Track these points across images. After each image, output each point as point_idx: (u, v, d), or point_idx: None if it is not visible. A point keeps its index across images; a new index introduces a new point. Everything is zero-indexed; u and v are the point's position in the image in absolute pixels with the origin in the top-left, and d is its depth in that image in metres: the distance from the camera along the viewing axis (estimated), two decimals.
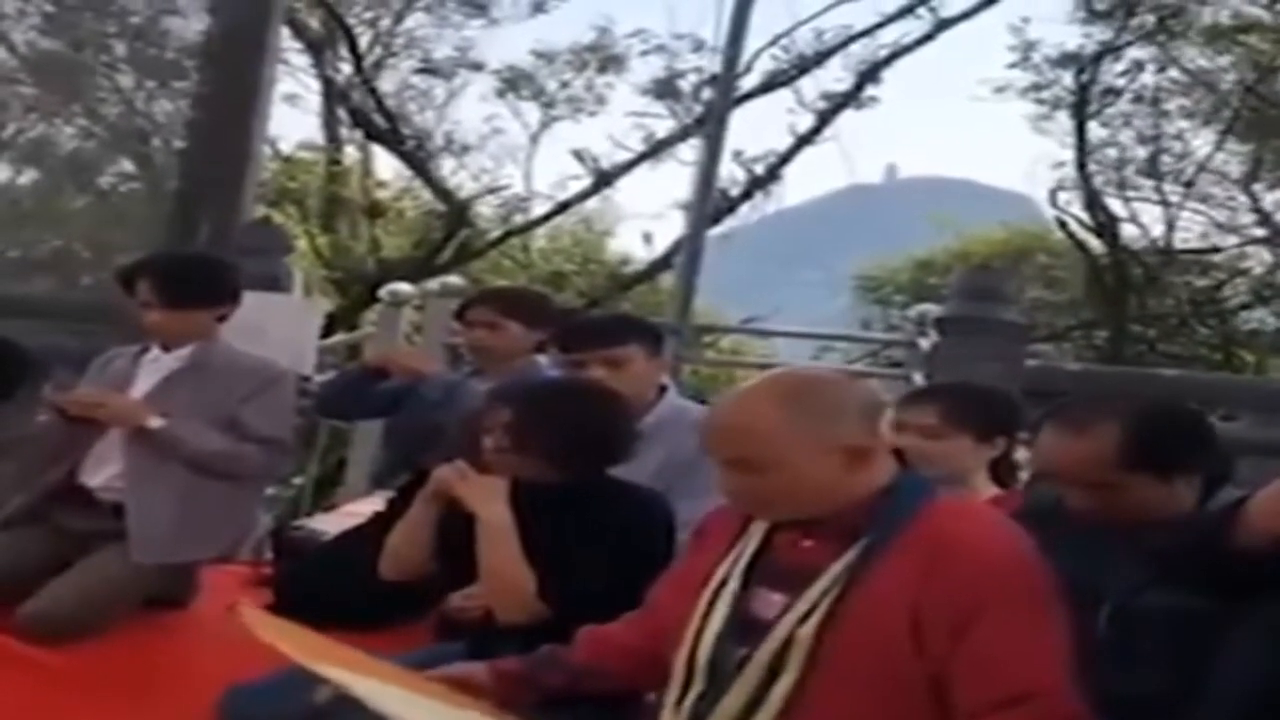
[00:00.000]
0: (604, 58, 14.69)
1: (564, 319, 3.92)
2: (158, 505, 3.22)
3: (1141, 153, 14.09)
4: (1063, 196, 14.18)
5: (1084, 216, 13.90)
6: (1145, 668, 2.02)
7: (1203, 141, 13.89)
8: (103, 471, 3.31)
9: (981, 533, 1.90)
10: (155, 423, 3.21)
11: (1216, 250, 14.45)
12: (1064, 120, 14.01)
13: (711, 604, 1.98)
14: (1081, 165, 13.71)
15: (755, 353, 13.74)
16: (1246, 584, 1.83)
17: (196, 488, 3.25)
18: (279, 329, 4.40)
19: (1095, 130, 14.06)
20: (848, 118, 14.22)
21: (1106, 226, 13.76)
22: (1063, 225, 14.19)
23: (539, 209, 14.89)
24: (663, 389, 3.30)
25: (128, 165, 12.37)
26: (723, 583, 1.99)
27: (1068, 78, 13.88)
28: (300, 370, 4.47)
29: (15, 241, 13.05)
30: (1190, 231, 14.51)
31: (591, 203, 15.29)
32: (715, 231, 13.37)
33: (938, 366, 5.24)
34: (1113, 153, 14.18)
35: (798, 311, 19.45)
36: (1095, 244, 13.92)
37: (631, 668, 2.14)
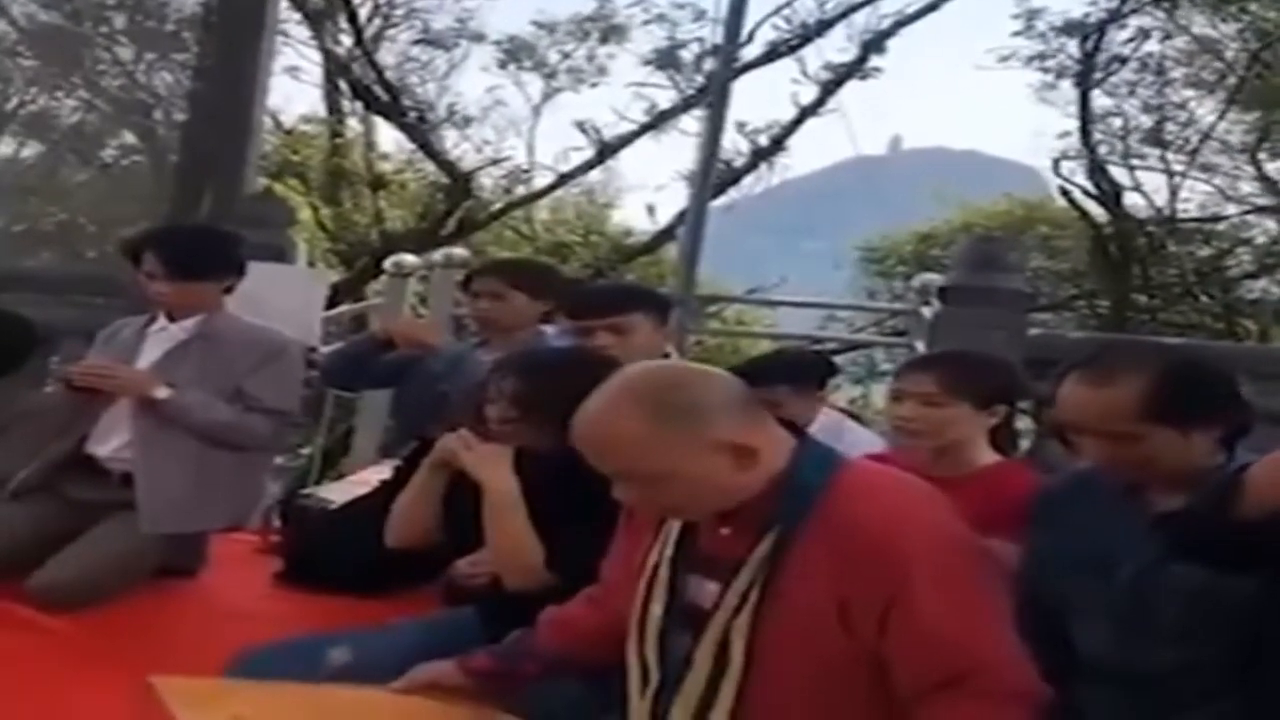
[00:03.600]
0: (605, 28, 14.59)
1: (570, 289, 3.93)
2: (166, 475, 3.25)
3: (1146, 121, 13.97)
4: (1066, 166, 14.15)
5: (1087, 186, 13.86)
6: (1164, 638, 2.04)
7: (1207, 110, 13.77)
8: (111, 442, 3.34)
9: (886, 513, 1.83)
10: (162, 393, 3.23)
11: (1220, 219, 14.39)
12: (1068, 89, 13.88)
13: (649, 591, 1.98)
14: (1085, 134, 13.62)
15: (761, 323, 13.73)
16: (1250, 554, 1.82)
17: (204, 458, 3.29)
18: (284, 300, 4.41)
19: (1099, 99, 13.94)
20: (851, 89, 14.15)
21: (1110, 196, 13.70)
22: (1066, 194, 14.14)
23: (542, 180, 14.85)
24: (667, 357, 3.30)
25: (130, 138, 12.36)
26: (655, 570, 1.99)
27: (1072, 46, 13.73)
28: (306, 341, 4.48)
29: (20, 215, 13.06)
30: (1193, 201, 14.43)
31: (595, 174, 15.26)
32: (719, 203, 13.33)
33: (940, 335, 5.24)
34: (1117, 122, 14.07)
35: (802, 282, 19.35)
36: (1099, 213, 13.88)
37: (596, 650, 2.13)
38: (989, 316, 4.95)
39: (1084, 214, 13.82)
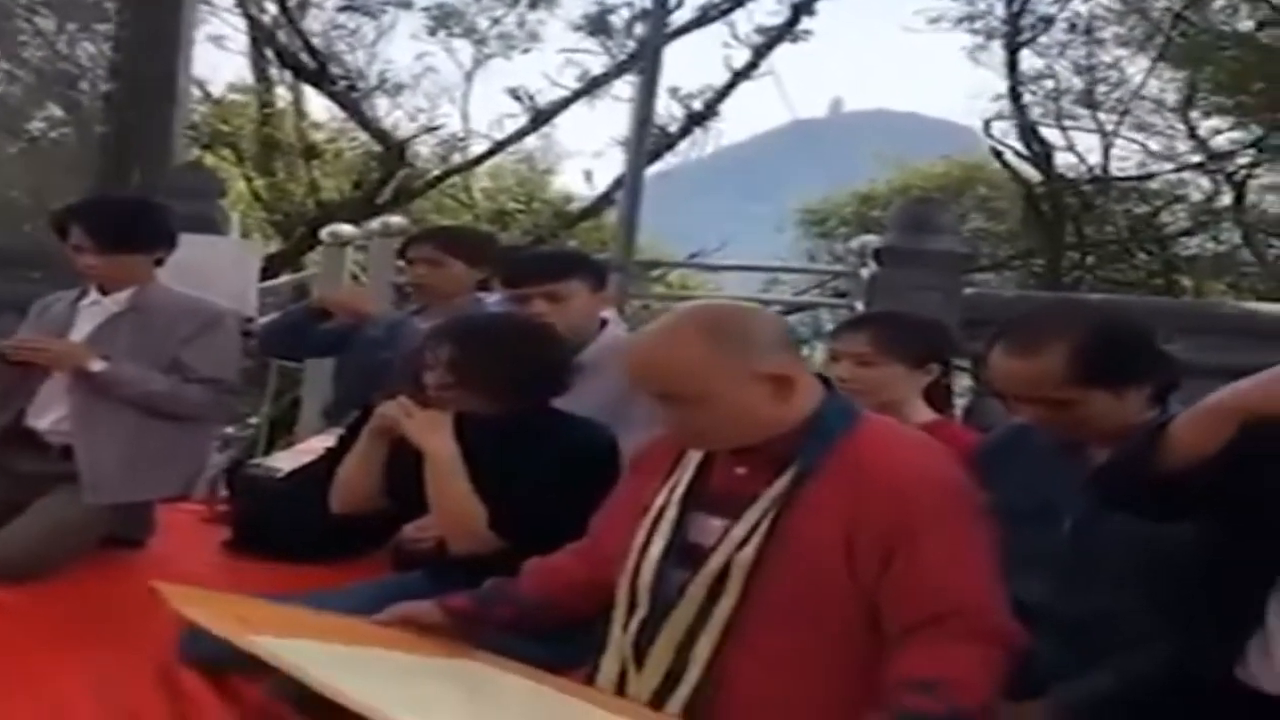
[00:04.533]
0: None
1: (506, 256, 3.94)
2: (106, 446, 3.23)
3: (1078, 82, 14.16)
4: (1001, 126, 14.29)
5: (1019, 146, 14.01)
6: (1103, 586, 2.09)
7: (1137, 69, 13.98)
8: (49, 415, 3.31)
9: (904, 460, 1.94)
10: (97, 365, 3.21)
11: (1152, 176, 14.58)
12: (999, 50, 14.05)
13: (652, 531, 2.04)
14: (1015, 95, 13.77)
15: (705, 288, 13.77)
16: (1173, 505, 1.88)
17: (144, 428, 3.27)
18: (218, 271, 4.40)
19: (1030, 60, 14.13)
20: (791, 52, 14.18)
21: (1040, 156, 13.86)
22: (998, 155, 14.29)
23: (479, 148, 14.75)
24: (604, 323, 3.33)
25: (57, 111, 12.11)
26: (662, 510, 2.05)
27: (1000, 7, 13.89)
28: (242, 312, 4.46)
29: None
30: (1131, 160, 14.62)
31: (533, 141, 15.21)
32: (660, 168, 13.37)
33: (877, 297, 5.33)
34: (1049, 83, 14.25)
35: (746, 246, 19.37)
36: (1032, 173, 14.03)
37: (577, 600, 2.19)
38: (923, 277, 5.05)
39: (1015, 174, 13.99)
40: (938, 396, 2.97)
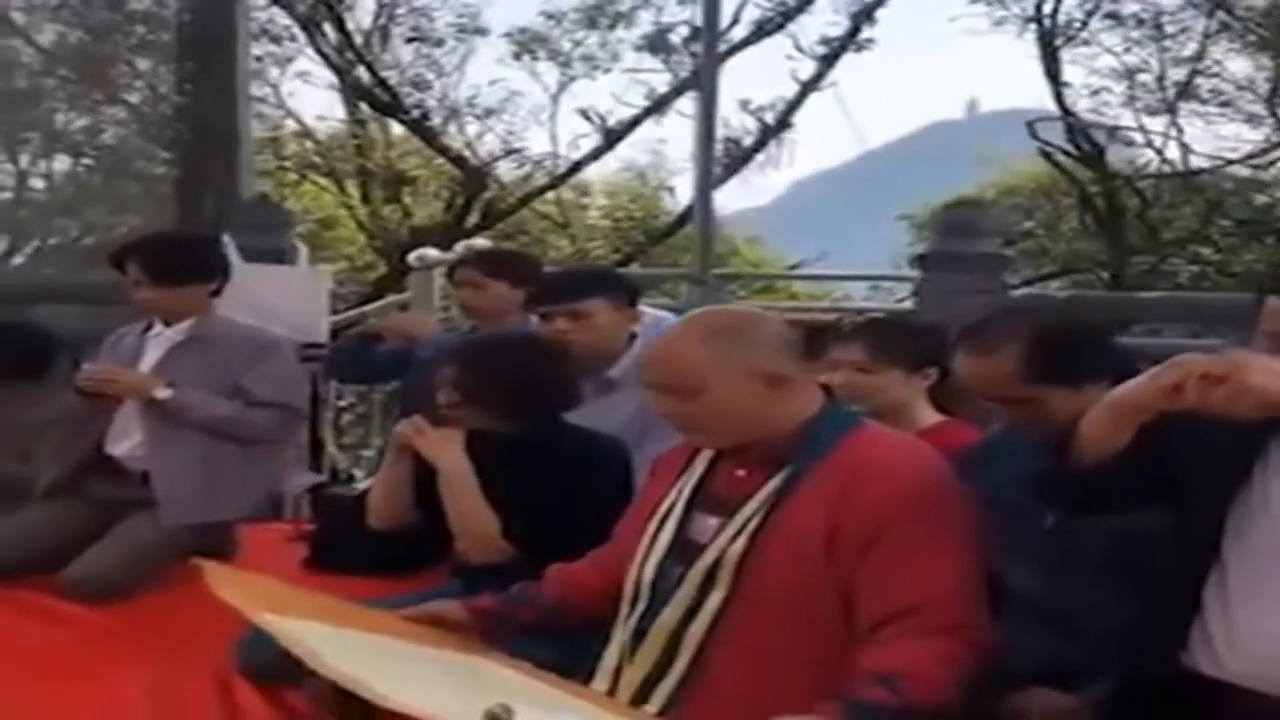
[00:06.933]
0: (613, 14, 14.58)
1: (544, 276, 4.08)
2: (179, 470, 3.42)
3: (1160, 74, 13.83)
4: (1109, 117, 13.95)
5: (1093, 144, 13.65)
6: (1086, 578, 2.15)
7: (1223, 59, 13.61)
8: (126, 441, 3.52)
9: (892, 460, 2.03)
10: (163, 393, 3.41)
11: (1235, 162, 14.09)
12: (1084, 48, 13.82)
13: (659, 529, 2.17)
14: (1058, 95, 13.50)
15: (830, 297, 13.74)
16: (1095, 499, 1.94)
17: (214, 451, 3.46)
18: (289, 299, 4.55)
19: (1105, 59, 13.85)
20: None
21: (1093, 154, 13.51)
22: (1046, 156, 14.01)
23: (578, 167, 14.86)
24: (633, 337, 3.42)
25: (164, 152, 12.63)
26: (669, 509, 2.18)
27: (1065, 6, 13.67)
28: (315, 339, 4.68)
29: (72, 230, 13.32)
30: (1238, 151, 14.18)
31: (645, 157, 15.42)
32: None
33: (925, 302, 5.36)
34: (1144, 76, 13.95)
35: (878, 251, 19.18)
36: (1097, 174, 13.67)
37: (596, 604, 2.30)
38: (965, 281, 5.05)
39: (1065, 173, 13.73)
40: (943, 398, 3.01)
